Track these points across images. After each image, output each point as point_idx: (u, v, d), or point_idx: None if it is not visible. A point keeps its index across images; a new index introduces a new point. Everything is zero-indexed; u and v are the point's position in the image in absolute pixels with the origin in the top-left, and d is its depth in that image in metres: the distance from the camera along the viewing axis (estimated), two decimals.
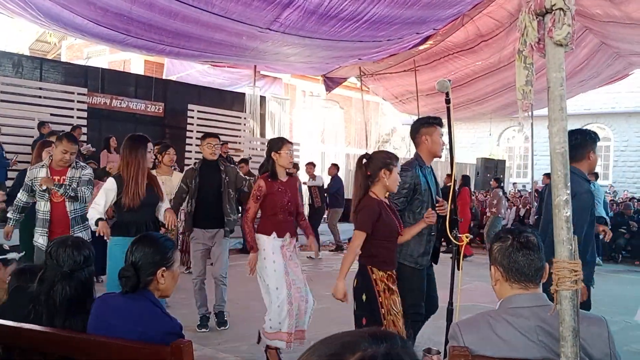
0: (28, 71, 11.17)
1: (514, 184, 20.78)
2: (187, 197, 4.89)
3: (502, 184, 12.68)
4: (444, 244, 4.22)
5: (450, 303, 3.37)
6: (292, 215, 4.18)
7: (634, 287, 8.44)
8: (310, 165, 10.39)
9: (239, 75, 14.68)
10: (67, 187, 4.21)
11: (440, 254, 3.92)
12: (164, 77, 14.82)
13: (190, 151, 12.54)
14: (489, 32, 11.30)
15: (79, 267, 2.20)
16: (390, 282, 3.09)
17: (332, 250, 10.86)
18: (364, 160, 3.19)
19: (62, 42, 19.33)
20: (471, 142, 23.31)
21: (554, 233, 1.63)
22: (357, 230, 3.09)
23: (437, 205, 3.60)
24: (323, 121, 21.53)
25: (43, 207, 4.28)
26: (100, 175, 6.49)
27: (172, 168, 6.01)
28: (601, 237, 4.05)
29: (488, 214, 11.82)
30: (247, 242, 4.20)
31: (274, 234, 4.05)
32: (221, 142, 6.01)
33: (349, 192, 15.70)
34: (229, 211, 4.89)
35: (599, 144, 3.49)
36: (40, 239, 4.23)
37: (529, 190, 15.34)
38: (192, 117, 12.82)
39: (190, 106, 12.80)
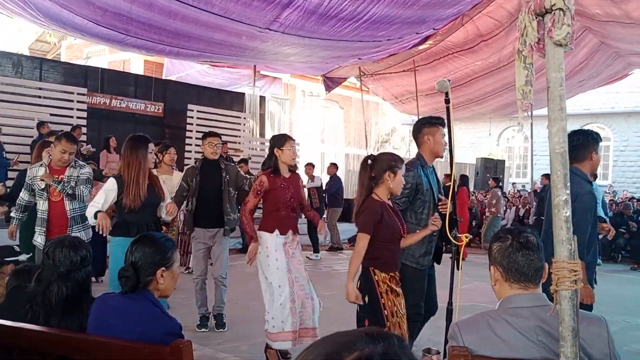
0: (28, 71, 11.18)
1: (514, 184, 20.79)
2: (188, 195, 4.89)
3: (500, 184, 12.68)
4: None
5: (450, 303, 3.37)
6: (294, 212, 4.17)
7: (634, 287, 8.44)
8: (310, 166, 10.38)
9: (238, 75, 14.68)
10: (65, 184, 4.21)
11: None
12: (163, 77, 14.82)
13: (190, 151, 12.55)
14: (488, 32, 11.31)
15: (76, 268, 2.20)
16: (393, 283, 3.09)
17: (331, 250, 10.85)
18: (369, 162, 3.18)
19: (62, 42, 19.33)
20: (471, 142, 23.32)
21: (553, 233, 1.63)
22: (360, 233, 3.09)
23: (439, 203, 3.60)
24: (323, 121, 21.55)
25: (41, 206, 4.29)
26: (98, 177, 6.49)
27: (173, 168, 6.01)
28: (601, 236, 4.05)
29: (487, 214, 11.82)
30: (246, 232, 4.19)
31: (277, 231, 4.03)
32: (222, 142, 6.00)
33: (348, 192, 15.73)
34: (229, 210, 4.88)
35: None
36: (38, 238, 4.25)
37: (529, 190, 15.35)
38: (192, 117, 12.82)
39: (189, 106, 12.81)
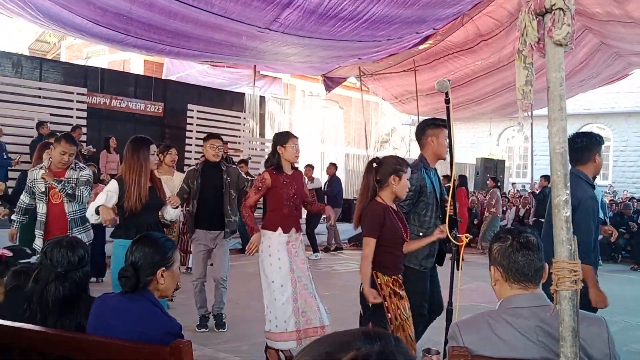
0: (27, 71, 11.18)
1: (513, 184, 20.79)
2: (189, 197, 4.88)
3: (499, 184, 12.69)
4: None
5: (450, 303, 3.36)
6: (297, 209, 4.16)
7: (634, 287, 8.44)
8: (309, 168, 10.37)
9: (238, 75, 14.69)
10: (66, 184, 4.21)
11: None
12: (163, 77, 14.83)
13: (190, 151, 12.56)
14: (488, 32, 11.31)
15: (74, 268, 2.20)
16: (396, 286, 3.08)
17: (327, 251, 10.85)
18: (374, 165, 3.17)
19: (62, 42, 19.34)
20: (471, 142, 23.33)
21: (553, 233, 1.62)
22: (366, 237, 3.06)
23: (446, 204, 3.59)
24: (323, 121, 21.55)
25: (41, 209, 4.28)
26: (96, 180, 6.50)
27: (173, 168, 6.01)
28: (601, 236, 4.06)
29: (486, 214, 11.82)
30: (247, 225, 4.17)
31: (280, 230, 4.02)
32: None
33: (348, 192, 15.73)
34: (229, 212, 4.88)
35: None
36: (38, 242, 4.23)
37: (529, 191, 15.36)
38: (192, 117, 12.83)
39: (189, 106, 12.82)
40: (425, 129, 3.78)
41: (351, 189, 16.76)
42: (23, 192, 4.47)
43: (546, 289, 1.71)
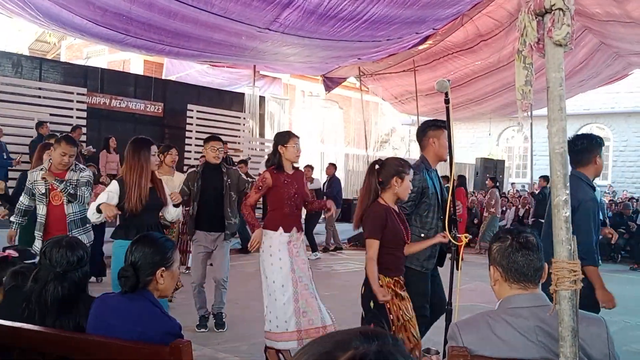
0: (27, 71, 11.17)
1: (513, 184, 20.80)
2: (189, 200, 4.87)
3: (497, 184, 12.70)
4: None
5: (450, 303, 3.36)
6: (298, 209, 4.16)
7: (633, 287, 8.44)
8: (308, 168, 10.37)
9: (238, 75, 14.69)
10: (67, 184, 4.20)
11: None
12: (163, 77, 14.83)
13: (190, 151, 12.55)
14: (488, 32, 11.32)
15: (73, 268, 2.20)
16: (397, 288, 3.07)
17: (331, 251, 10.86)
18: (377, 167, 3.17)
19: (62, 42, 19.34)
20: (470, 142, 23.34)
21: (553, 233, 1.63)
22: (369, 239, 3.05)
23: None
24: (322, 121, 21.55)
25: (41, 210, 4.25)
26: (96, 182, 6.50)
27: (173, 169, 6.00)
28: (600, 237, 4.07)
29: (485, 215, 11.82)
30: (248, 222, 4.16)
31: (281, 229, 4.02)
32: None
33: (348, 192, 15.74)
34: (230, 215, 4.87)
35: None
36: (37, 243, 4.21)
37: (528, 191, 15.36)
38: (192, 117, 12.83)
39: (189, 106, 12.82)
40: (427, 130, 3.78)
41: (351, 189, 16.76)
42: (22, 194, 4.44)
43: (545, 289, 1.72)
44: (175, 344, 1.81)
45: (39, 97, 10.63)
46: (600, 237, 3.78)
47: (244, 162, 10.09)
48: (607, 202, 14.21)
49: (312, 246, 9.75)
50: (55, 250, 2.19)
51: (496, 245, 1.86)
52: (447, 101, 3.40)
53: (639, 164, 20.80)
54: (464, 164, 18.92)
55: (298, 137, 4.17)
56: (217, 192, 4.85)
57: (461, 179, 11.79)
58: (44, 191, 4.22)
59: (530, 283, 1.80)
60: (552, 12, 1.59)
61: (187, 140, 12.66)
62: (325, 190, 10.94)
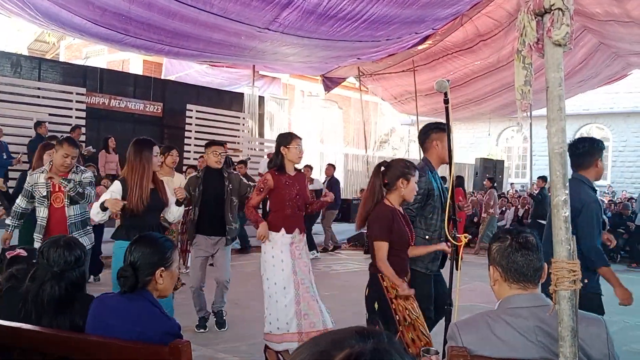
0: (26, 71, 11.16)
1: (512, 184, 20.81)
2: (189, 202, 4.85)
3: (495, 184, 12.72)
4: None
5: (449, 303, 3.37)
6: (301, 210, 4.15)
7: (633, 287, 8.41)
8: (308, 168, 10.37)
9: (237, 75, 14.69)
10: (77, 183, 4.18)
11: None
12: (162, 77, 14.82)
13: (189, 151, 12.54)
14: (487, 32, 11.32)
15: (70, 268, 2.20)
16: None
17: (330, 251, 10.86)
18: (382, 168, 3.17)
19: (61, 42, 19.34)
20: (470, 142, 23.35)
21: (552, 233, 1.63)
22: (378, 242, 3.03)
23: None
24: (322, 121, 21.56)
25: (42, 213, 4.20)
26: (97, 183, 6.49)
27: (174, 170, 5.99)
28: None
29: (484, 215, 11.82)
30: (252, 220, 4.14)
31: (283, 231, 4.02)
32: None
33: (347, 193, 15.74)
34: (230, 220, 4.86)
35: None
36: (36, 245, 4.18)
37: (527, 192, 15.36)
38: (191, 117, 12.82)
39: (188, 106, 12.81)
40: (430, 133, 3.79)
41: (350, 189, 16.77)
42: (20, 196, 4.36)
43: (545, 289, 1.72)
44: (175, 344, 1.81)
45: (38, 97, 10.62)
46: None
47: (244, 162, 10.09)
48: (606, 202, 14.23)
49: (311, 245, 9.75)
50: (53, 249, 2.20)
51: (496, 245, 1.86)
52: (446, 101, 3.40)
53: (638, 164, 20.82)
54: (463, 164, 18.93)
55: (300, 139, 4.17)
56: (219, 197, 4.83)
57: (459, 180, 11.79)
58: (45, 193, 4.17)
59: (530, 283, 1.80)
60: (552, 12, 1.59)
61: (186, 140, 12.66)
62: (325, 192, 10.93)
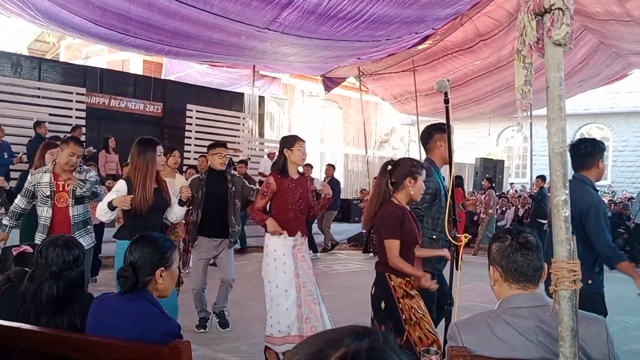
0: (27, 71, 11.17)
1: (512, 184, 20.81)
2: (193, 206, 4.83)
3: (494, 184, 12.72)
4: None
5: (449, 303, 3.37)
6: (303, 214, 4.14)
7: (633, 287, 8.41)
8: (308, 167, 10.36)
9: (237, 75, 14.69)
10: (91, 183, 4.16)
11: None
12: (162, 77, 14.82)
13: (189, 151, 12.54)
14: (487, 32, 11.33)
15: (68, 267, 2.20)
16: (409, 288, 3.06)
17: (330, 250, 10.86)
18: (389, 167, 3.16)
19: (61, 42, 19.33)
20: (470, 142, 23.34)
21: (552, 233, 1.63)
22: (389, 240, 3.01)
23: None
24: (322, 121, 21.56)
25: (45, 212, 4.15)
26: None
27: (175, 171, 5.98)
28: None
29: (482, 215, 11.82)
30: (259, 221, 4.11)
31: (285, 234, 4.01)
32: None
33: (347, 193, 15.74)
34: (233, 222, 4.85)
35: None
36: None
37: (527, 192, 15.37)
38: (191, 117, 12.83)
39: (188, 106, 12.81)
40: (433, 134, 3.80)
41: (350, 189, 16.77)
42: (19, 197, 4.28)
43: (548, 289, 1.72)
44: (175, 344, 1.81)
45: (38, 97, 10.63)
46: None
47: (244, 162, 10.08)
48: (606, 202, 14.21)
49: (312, 246, 9.75)
50: (51, 249, 2.20)
51: (496, 245, 1.86)
52: (446, 101, 3.40)
53: (639, 164, 20.81)
54: (463, 164, 18.93)
55: (304, 141, 4.17)
56: (222, 199, 4.82)
57: (458, 180, 11.79)
58: (48, 193, 4.12)
59: (530, 283, 1.80)
60: (552, 11, 1.58)
61: (186, 141, 12.66)
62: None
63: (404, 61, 13.20)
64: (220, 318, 4.95)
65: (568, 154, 1.68)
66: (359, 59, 12.47)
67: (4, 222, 4.34)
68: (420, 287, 3.04)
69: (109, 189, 5.31)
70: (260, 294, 4.14)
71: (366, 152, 15.90)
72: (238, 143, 13.42)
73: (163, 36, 9.17)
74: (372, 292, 3.10)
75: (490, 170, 17.11)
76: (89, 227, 4.31)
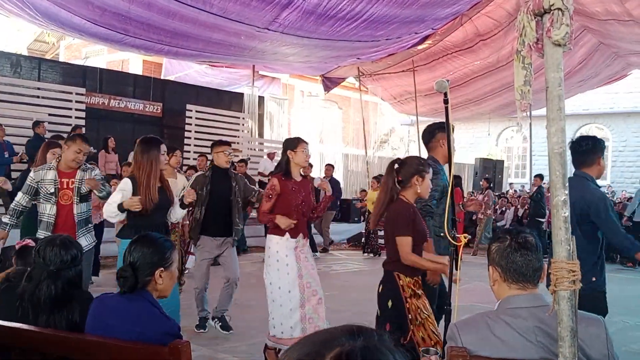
0: (26, 71, 11.17)
1: (511, 184, 20.81)
2: (197, 203, 4.82)
3: (491, 184, 12.72)
4: None
5: (449, 303, 3.37)
6: (305, 216, 4.15)
7: (633, 287, 8.45)
8: (308, 167, 10.36)
9: (237, 75, 14.69)
10: (104, 184, 4.16)
11: None
12: (162, 77, 14.82)
13: (189, 151, 12.54)
14: (487, 32, 11.32)
15: (66, 267, 2.20)
16: (416, 287, 3.06)
17: (328, 250, 10.85)
18: (396, 166, 3.17)
19: (61, 42, 19.33)
20: (470, 142, 23.34)
21: (552, 233, 1.63)
22: (401, 237, 3.00)
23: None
24: (321, 121, 21.57)
25: (49, 210, 4.12)
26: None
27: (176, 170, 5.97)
28: None
29: (480, 216, 11.82)
30: (267, 222, 4.10)
31: (287, 235, 4.01)
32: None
33: (347, 193, 15.73)
34: (237, 220, 4.86)
35: None
36: None
37: (527, 192, 15.37)
38: (191, 117, 12.82)
39: (188, 106, 12.81)
40: (435, 132, 3.82)
41: (350, 189, 16.77)
42: (21, 194, 4.23)
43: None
44: (174, 345, 1.81)
45: (38, 97, 10.62)
46: None
47: (244, 161, 10.09)
48: None
49: (312, 246, 9.75)
50: (49, 249, 2.20)
51: (495, 246, 1.86)
52: (446, 101, 3.40)
53: (638, 164, 20.82)
54: (463, 164, 18.93)
55: (307, 143, 4.17)
56: (226, 197, 4.82)
57: (457, 180, 11.80)
58: (52, 190, 4.10)
59: (529, 283, 1.80)
60: (551, 12, 1.59)
61: (186, 141, 12.65)
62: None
63: (404, 61, 13.20)
64: (222, 322, 4.91)
65: (567, 154, 1.68)
66: (358, 59, 12.47)
67: (5, 220, 4.30)
68: (435, 282, 3.03)
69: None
70: (260, 294, 4.14)
71: (366, 152, 15.90)
72: (238, 143, 13.41)
73: (163, 36, 9.17)
74: (380, 290, 3.09)
75: (490, 171, 17.11)
76: (90, 225, 4.30)
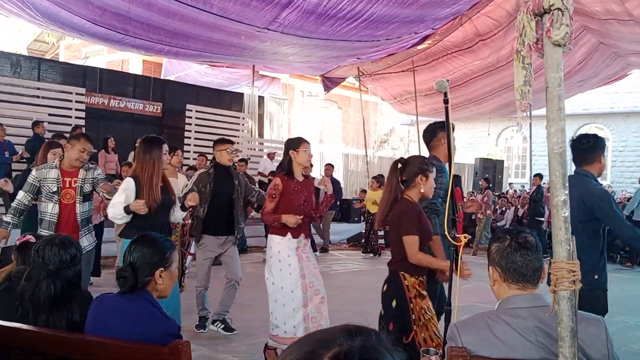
0: (26, 71, 11.17)
1: (511, 184, 20.81)
2: (199, 201, 4.81)
3: (490, 184, 12.72)
4: None
5: (449, 303, 3.37)
6: (307, 216, 4.15)
7: (633, 287, 8.45)
8: (309, 167, 10.34)
9: (237, 75, 14.69)
10: (112, 185, 4.16)
11: None
12: (162, 77, 14.82)
13: (189, 151, 12.54)
14: (487, 32, 11.33)
15: (65, 266, 2.20)
16: (421, 288, 3.06)
17: (328, 250, 10.84)
18: (399, 165, 3.17)
19: (60, 42, 19.32)
20: (469, 142, 23.34)
21: (552, 233, 1.63)
22: (408, 236, 2.99)
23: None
24: (321, 121, 21.57)
25: (51, 209, 4.09)
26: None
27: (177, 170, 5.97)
28: None
29: (479, 216, 11.81)
30: (271, 222, 4.10)
31: (289, 235, 4.01)
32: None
33: (347, 193, 15.73)
34: (239, 218, 4.86)
35: None
36: None
37: (527, 192, 15.37)
38: (190, 117, 12.83)
39: (188, 106, 12.81)
40: (437, 131, 3.82)
41: (350, 189, 16.77)
42: (22, 193, 4.19)
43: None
44: (174, 345, 1.81)
45: (38, 97, 10.63)
46: None
47: (244, 160, 10.09)
48: None
49: (312, 246, 9.75)
50: (48, 248, 2.20)
51: (495, 246, 1.86)
52: (446, 101, 3.40)
53: (638, 164, 20.81)
54: (463, 164, 18.93)
55: (309, 143, 4.18)
56: (228, 196, 4.81)
57: (456, 179, 11.79)
58: (55, 189, 4.07)
59: (529, 283, 1.80)
60: (551, 12, 1.59)
61: (186, 141, 12.66)
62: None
63: (404, 61, 13.20)
64: (224, 324, 4.88)
65: (567, 154, 1.68)
66: (358, 59, 12.47)
67: (6, 219, 4.26)
68: (445, 280, 3.03)
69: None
70: (260, 294, 4.15)
71: (366, 152, 15.90)
72: (238, 143, 13.41)
73: (163, 36, 9.17)
74: (384, 289, 3.08)
75: (490, 171, 17.11)
76: (90, 225, 4.30)
